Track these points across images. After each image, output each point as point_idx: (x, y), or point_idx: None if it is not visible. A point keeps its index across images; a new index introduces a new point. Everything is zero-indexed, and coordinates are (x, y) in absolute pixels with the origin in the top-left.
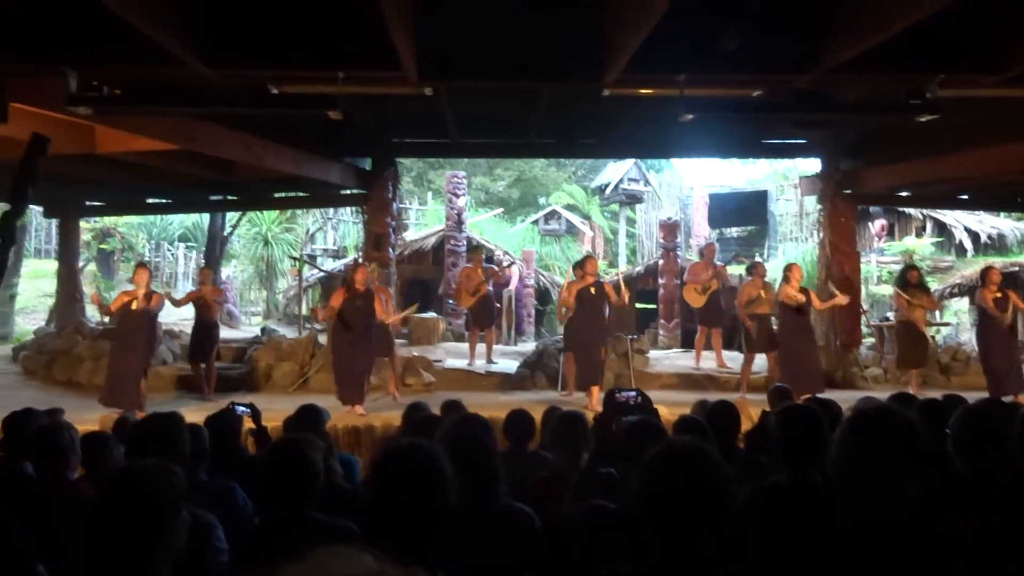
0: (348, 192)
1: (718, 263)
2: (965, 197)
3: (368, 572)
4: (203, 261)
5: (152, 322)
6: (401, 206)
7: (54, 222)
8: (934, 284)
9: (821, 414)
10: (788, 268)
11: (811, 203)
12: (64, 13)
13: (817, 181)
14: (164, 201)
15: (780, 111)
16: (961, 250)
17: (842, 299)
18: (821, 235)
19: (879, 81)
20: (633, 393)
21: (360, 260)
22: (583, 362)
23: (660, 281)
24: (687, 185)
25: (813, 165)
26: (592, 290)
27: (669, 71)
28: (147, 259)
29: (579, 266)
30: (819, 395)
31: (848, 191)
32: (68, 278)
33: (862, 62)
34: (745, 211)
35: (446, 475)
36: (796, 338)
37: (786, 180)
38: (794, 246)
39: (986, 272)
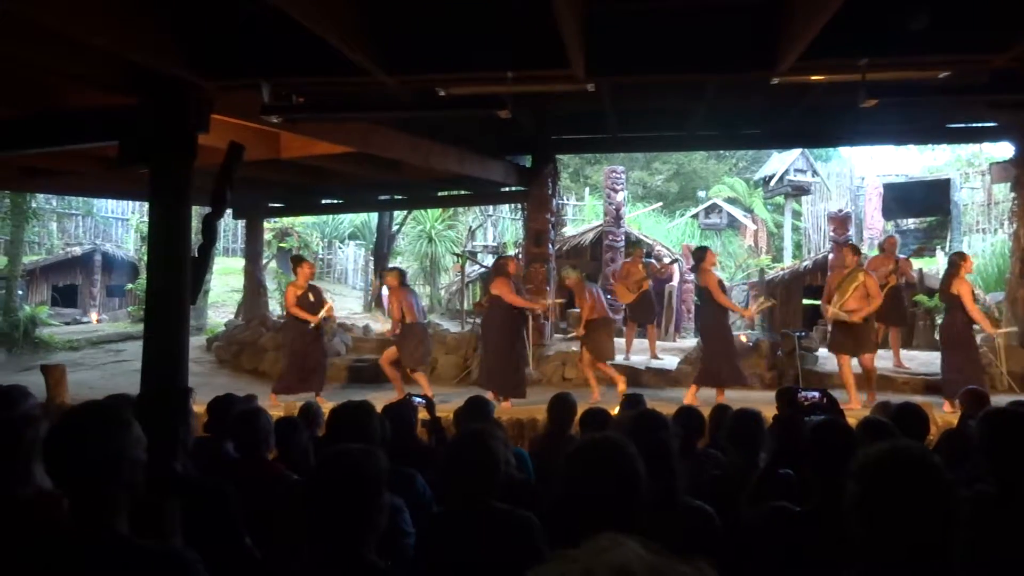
0: (508, 189)
1: (900, 256)
2: None
3: (642, 561)
4: (372, 258)
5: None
6: (560, 202)
7: (240, 223)
8: None
9: None
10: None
11: (1001, 191)
12: (260, 30)
13: (1010, 167)
14: (337, 201)
15: (975, 93)
16: None
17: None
18: (1015, 226)
19: None
20: (817, 394)
21: (509, 255)
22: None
23: (829, 276)
24: (858, 174)
25: (1005, 150)
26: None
27: (848, 55)
28: (307, 255)
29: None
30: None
31: None
32: (253, 274)
33: None
34: (924, 201)
35: (640, 471)
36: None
37: (971, 167)
38: (980, 238)
39: None
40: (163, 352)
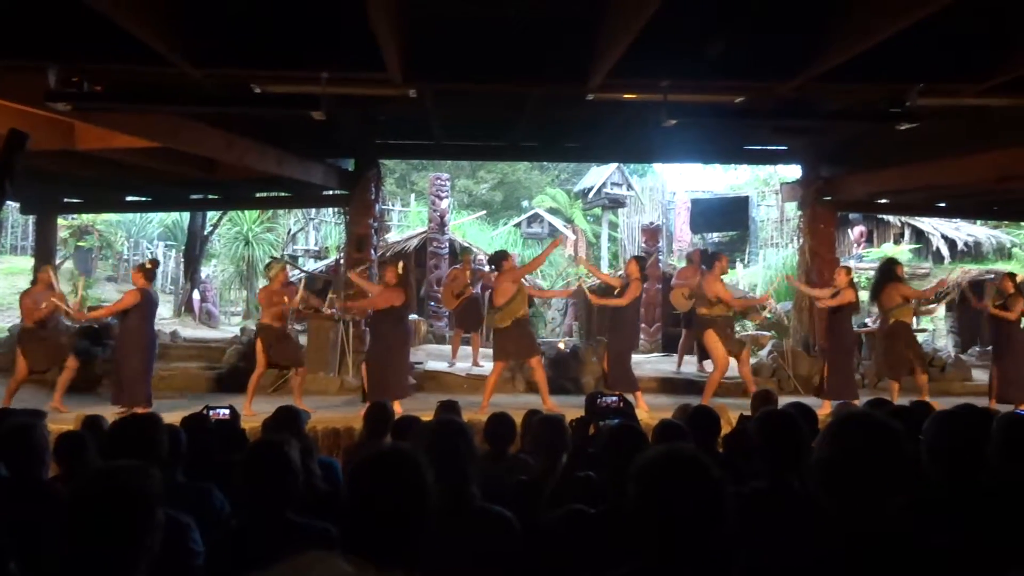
0: (330, 193)
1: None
2: (943, 205)
3: None
4: (183, 260)
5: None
6: (383, 207)
7: (31, 219)
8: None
9: (800, 419)
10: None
11: (792, 209)
12: (46, 9)
13: (798, 188)
14: (144, 199)
15: (762, 118)
16: (938, 257)
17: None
18: (801, 241)
19: (861, 89)
20: (614, 398)
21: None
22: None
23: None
24: (669, 190)
25: (794, 172)
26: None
27: (653, 76)
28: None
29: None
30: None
31: (828, 198)
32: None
33: (845, 70)
34: (727, 216)
35: (427, 480)
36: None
37: (767, 186)
38: (775, 252)
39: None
40: None
